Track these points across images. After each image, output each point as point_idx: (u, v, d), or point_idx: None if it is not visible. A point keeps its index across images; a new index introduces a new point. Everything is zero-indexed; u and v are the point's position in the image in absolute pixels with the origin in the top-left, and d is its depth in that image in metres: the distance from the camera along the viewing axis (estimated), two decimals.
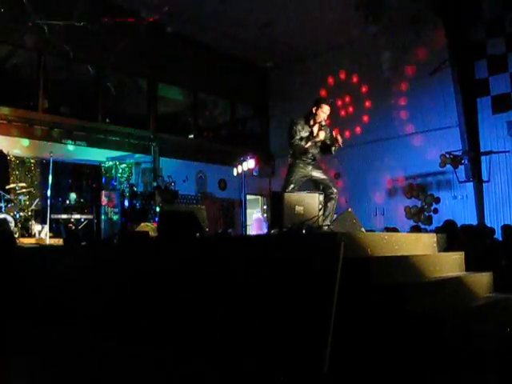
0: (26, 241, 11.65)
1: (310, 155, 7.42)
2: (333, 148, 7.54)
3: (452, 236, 7.32)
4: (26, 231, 12.59)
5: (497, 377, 4.24)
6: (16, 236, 11.34)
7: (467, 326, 4.67)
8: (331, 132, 7.56)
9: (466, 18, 15.29)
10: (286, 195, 6.20)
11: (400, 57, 16.76)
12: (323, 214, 6.78)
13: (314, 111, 7.44)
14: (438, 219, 15.24)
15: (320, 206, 6.32)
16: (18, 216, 12.14)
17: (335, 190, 7.37)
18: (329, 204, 7.16)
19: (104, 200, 14.03)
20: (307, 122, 7.46)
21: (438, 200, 16.01)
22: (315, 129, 7.37)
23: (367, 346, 4.29)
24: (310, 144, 7.34)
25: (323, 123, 7.39)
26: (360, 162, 17.85)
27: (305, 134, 7.37)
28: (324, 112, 7.42)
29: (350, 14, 15.06)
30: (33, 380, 4.85)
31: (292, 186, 7.26)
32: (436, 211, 16.00)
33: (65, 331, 6.38)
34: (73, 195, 14.06)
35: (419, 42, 16.25)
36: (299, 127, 7.41)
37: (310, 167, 7.40)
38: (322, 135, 7.35)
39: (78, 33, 14.64)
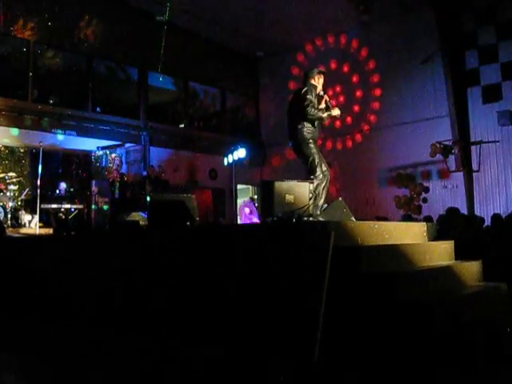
0: (16, 231, 11.62)
1: (317, 133, 7.13)
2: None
3: (453, 223, 7.38)
4: (16, 221, 12.53)
5: (485, 363, 4.27)
6: (6, 226, 11.29)
7: (456, 314, 4.70)
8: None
9: (457, 7, 15.29)
10: (277, 184, 6.18)
11: (391, 46, 16.76)
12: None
13: (315, 81, 7.22)
14: (428, 209, 15.27)
15: (310, 195, 6.32)
16: (7, 206, 12.09)
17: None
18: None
19: (94, 190, 13.97)
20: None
21: (426, 189, 16.04)
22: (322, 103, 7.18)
23: (357, 334, 4.31)
24: (325, 116, 7.11)
25: (322, 93, 7.22)
26: (351, 151, 17.88)
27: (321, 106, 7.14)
28: (320, 83, 7.27)
29: (342, 3, 15.02)
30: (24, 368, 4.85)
31: (319, 169, 6.94)
32: (426, 201, 16.02)
33: (57, 322, 6.38)
34: (63, 185, 14.02)
35: (410, 31, 16.24)
36: (313, 97, 7.05)
37: (317, 148, 7.15)
38: (337, 111, 7.12)
39: (68, 20, 14.62)
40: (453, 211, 8.47)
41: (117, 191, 13.18)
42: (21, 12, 13.94)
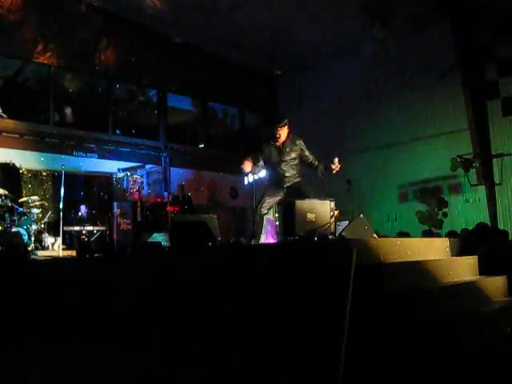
0: (40, 253, 11.68)
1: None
2: None
3: (481, 238, 7.33)
4: (40, 244, 12.63)
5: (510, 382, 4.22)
6: (29, 249, 11.38)
7: (481, 330, 4.65)
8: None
9: (473, 20, 15.24)
10: (298, 203, 6.20)
11: (408, 61, 16.74)
12: None
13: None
14: (450, 223, 15.16)
15: (331, 214, 6.31)
16: (31, 229, 12.19)
17: None
18: None
19: (116, 211, 14.05)
20: None
21: (446, 204, 15.90)
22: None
23: (381, 353, 4.28)
24: None
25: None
26: (371, 167, 17.82)
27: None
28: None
29: (357, 20, 15.06)
30: None
31: None
32: (448, 215, 15.88)
33: (80, 344, 6.40)
34: (85, 207, 14.15)
35: (426, 45, 16.21)
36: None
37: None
38: None
39: (88, 44, 14.86)
40: (481, 227, 8.41)
41: (138, 213, 13.25)
42: (41, 37, 14.17)
